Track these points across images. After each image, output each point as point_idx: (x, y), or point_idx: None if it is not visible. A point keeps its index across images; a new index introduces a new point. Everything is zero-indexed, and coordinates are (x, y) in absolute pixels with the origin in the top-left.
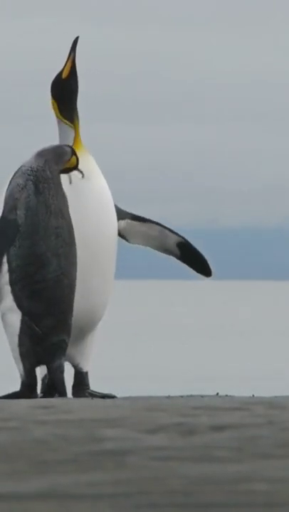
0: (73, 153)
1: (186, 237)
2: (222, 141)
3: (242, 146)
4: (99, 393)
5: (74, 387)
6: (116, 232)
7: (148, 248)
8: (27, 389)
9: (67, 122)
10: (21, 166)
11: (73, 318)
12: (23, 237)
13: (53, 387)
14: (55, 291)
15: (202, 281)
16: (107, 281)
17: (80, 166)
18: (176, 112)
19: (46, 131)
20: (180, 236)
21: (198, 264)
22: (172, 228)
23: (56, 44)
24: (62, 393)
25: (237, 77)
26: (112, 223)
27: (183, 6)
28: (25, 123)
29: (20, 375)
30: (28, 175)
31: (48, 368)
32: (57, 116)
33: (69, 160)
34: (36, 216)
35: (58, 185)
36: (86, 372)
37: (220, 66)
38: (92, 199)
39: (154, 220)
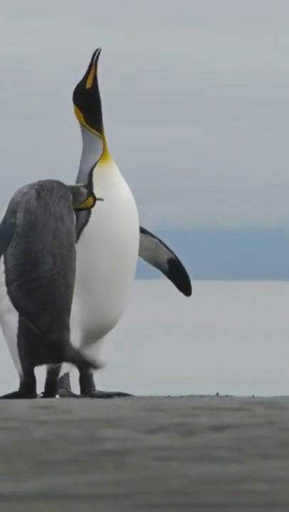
0: (90, 194)
1: (186, 237)
2: (222, 141)
3: (242, 146)
4: (107, 393)
5: (81, 390)
6: (138, 238)
7: (139, 258)
8: (26, 389)
9: (94, 131)
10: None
11: (99, 322)
12: (19, 236)
13: (55, 385)
14: (51, 289)
15: (202, 281)
16: (130, 284)
17: (105, 177)
18: (176, 112)
19: (46, 131)
20: (172, 253)
21: (182, 282)
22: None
23: (56, 44)
24: (49, 396)
25: (237, 77)
26: (136, 229)
27: (183, 6)
28: (25, 123)
29: (20, 375)
30: (33, 184)
31: (46, 367)
32: (81, 124)
33: (84, 201)
34: (34, 216)
35: (64, 197)
36: (92, 374)
37: (220, 66)
38: (118, 208)
39: (154, 230)
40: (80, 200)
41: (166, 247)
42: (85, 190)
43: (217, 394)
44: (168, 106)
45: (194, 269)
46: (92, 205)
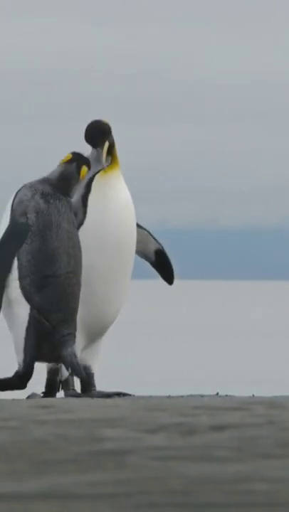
0: (80, 164)
1: (187, 237)
2: (222, 141)
3: (242, 146)
4: (107, 393)
5: (82, 390)
6: (135, 238)
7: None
8: (19, 378)
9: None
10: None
11: (97, 320)
12: (34, 234)
13: (55, 385)
14: (66, 287)
15: (202, 281)
16: (127, 282)
17: (106, 181)
18: (176, 111)
19: (46, 131)
20: (159, 244)
21: (167, 272)
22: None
23: (56, 44)
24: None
25: (237, 77)
26: (133, 230)
27: (183, 6)
28: (25, 123)
29: (19, 365)
30: (35, 189)
31: (47, 367)
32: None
33: (79, 175)
34: (48, 216)
35: (70, 204)
36: (93, 374)
37: (220, 66)
38: (115, 208)
39: (145, 222)
40: (73, 184)
41: (154, 238)
42: (73, 169)
43: (217, 394)
44: (168, 106)
45: (195, 269)
46: (89, 169)
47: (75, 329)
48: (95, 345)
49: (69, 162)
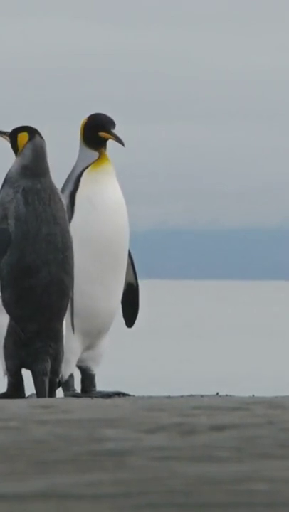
0: (33, 133)
1: (186, 237)
2: (222, 141)
3: (242, 146)
4: (107, 393)
5: (83, 390)
6: (127, 238)
7: None
8: (13, 388)
9: (90, 149)
10: (8, 177)
11: (91, 320)
12: (13, 246)
13: (52, 387)
14: (42, 297)
15: (202, 281)
16: (120, 282)
17: (95, 179)
18: (177, 111)
19: (45, 131)
20: (136, 279)
21: (131, 311)
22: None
23: (57, 44)
24: (42, 393)
25: (239, 76)
26: (123, 229)
27: (183, 6)
28: (26, 123)
29: (5, 374)
30: (17, 186)
31: (31, 371)
32: (81, 141)
33: (43, 139)
34: (26, 225)
35: (51, 193)
36: (94, 375)
37: (222, 65)
38: (103, 206)
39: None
40: (44, 152)
41: (134, 271)
42: (37, 142)
43: (217, 393)
44: (169, 106)
45: (195, 269)
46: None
47: (54, 340)
48: (97, 347)
49: (30, 140)
